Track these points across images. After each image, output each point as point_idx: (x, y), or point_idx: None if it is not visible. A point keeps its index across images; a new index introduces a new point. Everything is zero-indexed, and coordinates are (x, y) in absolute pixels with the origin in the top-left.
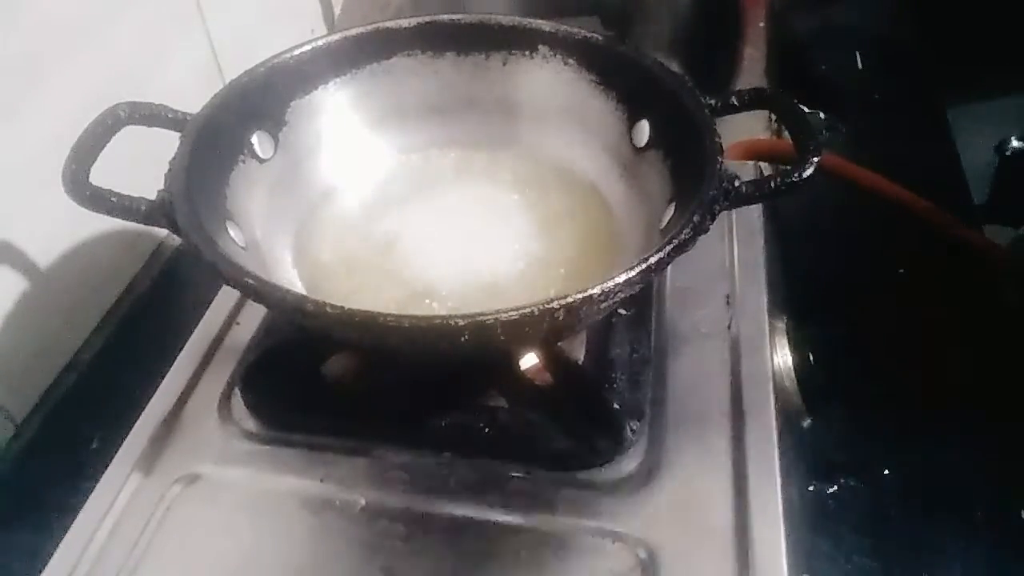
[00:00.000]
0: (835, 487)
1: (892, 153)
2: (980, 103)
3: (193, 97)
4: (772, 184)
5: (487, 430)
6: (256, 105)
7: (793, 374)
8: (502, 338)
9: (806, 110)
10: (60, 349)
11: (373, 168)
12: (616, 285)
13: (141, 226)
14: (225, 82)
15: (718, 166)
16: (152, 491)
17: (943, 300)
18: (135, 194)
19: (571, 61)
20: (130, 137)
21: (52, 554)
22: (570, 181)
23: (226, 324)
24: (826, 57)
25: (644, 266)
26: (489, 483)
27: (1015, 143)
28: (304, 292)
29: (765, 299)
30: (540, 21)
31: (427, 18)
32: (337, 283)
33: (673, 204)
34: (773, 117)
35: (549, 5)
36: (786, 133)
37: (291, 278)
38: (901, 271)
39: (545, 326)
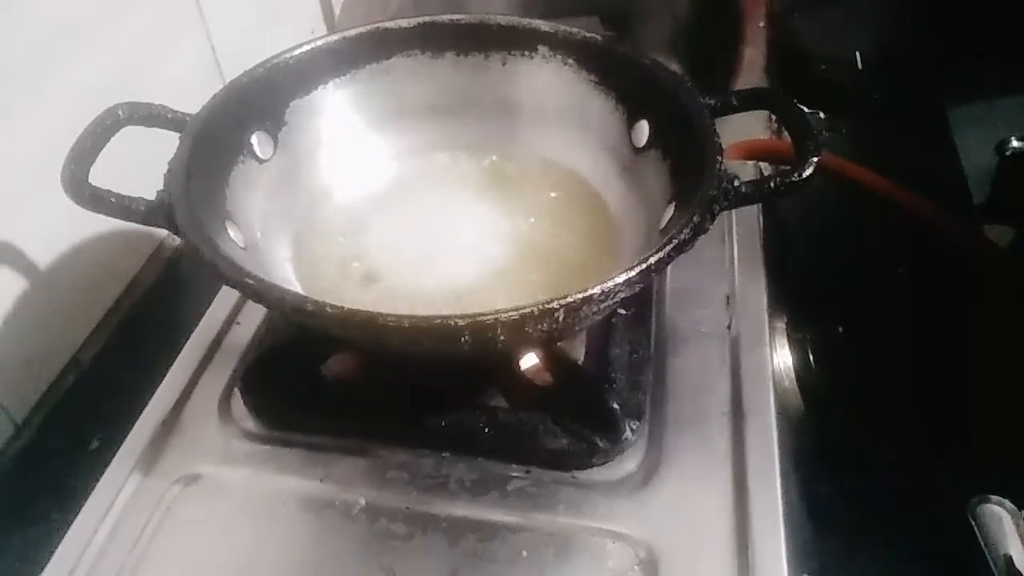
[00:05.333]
0: (835, 487)
1: (892, 153)
2: (980, 103)
3: (193, 97)
4: (772, 184)
5: (487, 430)
6: (256, 105)
7: (793, 374)
8: (502, 338)
9: (806, 110)
10: (60, 349)
11: (373, 168)
12: (616, 285)
13: (141, 226)
14: (225, 82)
15: (718, 166)
16: (152, 491)
17: (943, 300)
18: (135, 194)
19: (571, 61)
20: (130, 137)
21: (52, 554)
22: (570, 181)
23: (226, 324)
24: (826, 57)
25: (644, 266)
26: (489, 483)
27: (1015, 143)
28: (303, 292)
29: (765, 299)
30: (540, 21)
31: (427, 18)
32: (337, 283)
33: (673, 204)
34: (773, 117)
35: (549, 5)
36: (786, 133)
37: (291, 278)
38: (901, 271)
39: (545, 326)
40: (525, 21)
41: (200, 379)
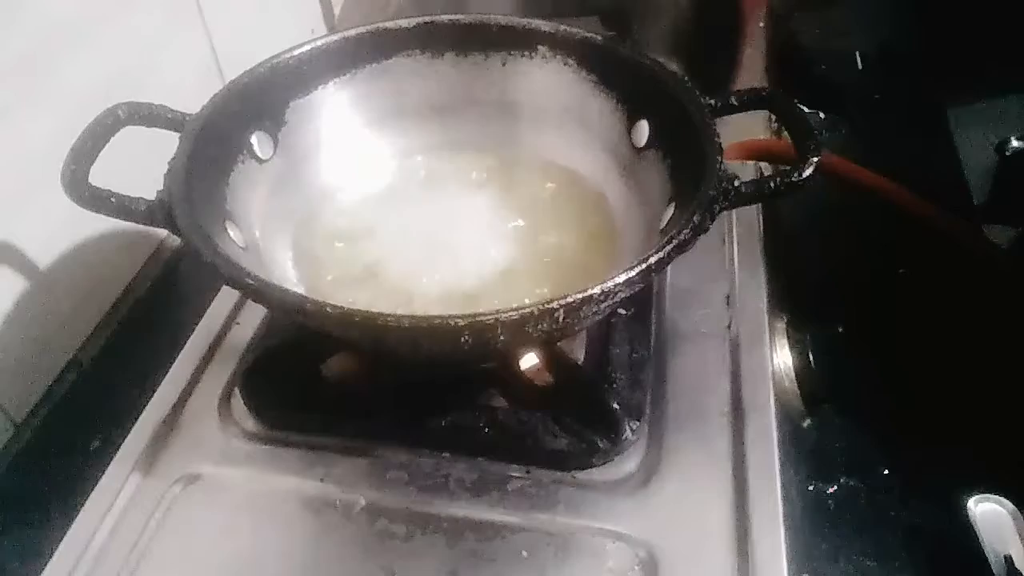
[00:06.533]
0: (835, 487)
1: (892, 153)
2: (980, 103)
3: (193, 97)
4: (772, 184)
5: (487, 430)
6: (256, 105)
7: (793, 374)
8: (502, 338)
9: (806, 110)
10: (60, 349)
11: (372, 168)
12: (616, 285)
13: (141, 226)
14: (225, 82)
15: (718, 166)
16: (152, 491)
17: (943, 300)
18: (135, 194)
19: (571, 61)
20: (130, 137)
21: (52, 554)
22: (570, 181)
23: (226, 324)
24: (826, 57)
25: (644, 266)
26: (489, 483)
27: (1015, 143)
28: (303, 292)
29: (765, 299)
30: (539, 21)
31: (427, 18)
32: (337, 283)
33: (673, 204)
34: (773, 117)
35: (549, 5)
36: (786, 133)
37: (291, 278)
38: (901, 271)
39: (545, 326)
40: (525, 21)
41: (200, 379)
